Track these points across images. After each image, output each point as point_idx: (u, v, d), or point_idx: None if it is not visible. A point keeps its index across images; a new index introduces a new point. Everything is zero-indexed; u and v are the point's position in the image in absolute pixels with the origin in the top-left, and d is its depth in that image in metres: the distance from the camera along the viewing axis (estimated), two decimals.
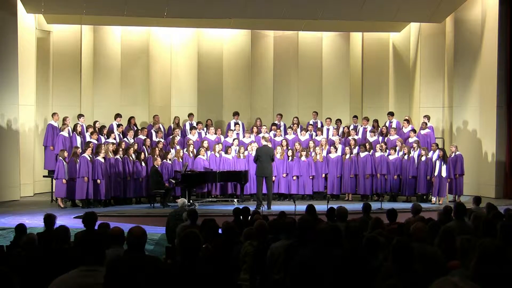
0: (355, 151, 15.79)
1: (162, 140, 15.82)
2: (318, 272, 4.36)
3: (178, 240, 8.02)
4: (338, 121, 17.23)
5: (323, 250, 4.74)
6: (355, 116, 17.38)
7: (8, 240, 8.70)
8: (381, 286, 3.93)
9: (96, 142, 14.68)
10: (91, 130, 15.21)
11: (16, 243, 6.91)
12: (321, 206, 10.71)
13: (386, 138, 16.20)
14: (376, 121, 17.03)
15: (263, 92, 18.62)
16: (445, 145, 16.62)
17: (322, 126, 17.09)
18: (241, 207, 9.40)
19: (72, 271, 4.00)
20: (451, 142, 16.75)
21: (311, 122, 17.28)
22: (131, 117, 16.50)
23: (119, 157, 14.40)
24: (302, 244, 5.03)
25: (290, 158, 15.56)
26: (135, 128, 16.28)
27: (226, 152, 15.60)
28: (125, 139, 15.26)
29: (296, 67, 18.67)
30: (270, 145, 14.47)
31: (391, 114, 16.95)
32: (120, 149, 14.48)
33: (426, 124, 16.17)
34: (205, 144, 15.46)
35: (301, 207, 10.55)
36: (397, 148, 15.54)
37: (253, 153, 14.79)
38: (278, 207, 13.29)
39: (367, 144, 15.79)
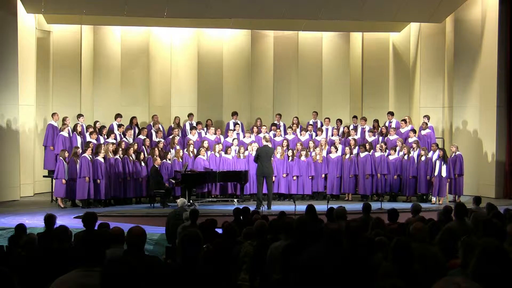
0: (355, 151, 15.79)
1: (162, 140, 15.82)
2: (326, 272, 4.37)
3: (178, 240, 8.04)
4: (338, 121, 17.23)
5: (331, 250, 4.76)
6: (355, 116, 17.38)
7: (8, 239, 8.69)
8: (381, 285, 3.93)
9: (95, 142, 14.68)
10: (90, 130, 15.22)
11: (15, 242, 6.90)
12: (321, 206, 10.72)
13: (385, 138, 16.20)
14: (376, 121, 17.03)
15: (263, 92, 18.62)
16: (445, 145, 16.62)
17: (322, 126, 17.09)
18: (241, 207, 9.41)
19: (72, 271, 4.00)
20: (451, 142, 16.75)
21: (311, 122, 17.29)
22: (133, 117, 16.51)
23: (119, 157, 14.40)
24: (300, 245, 5.02)
25: (290, 158, 15.57)
26: (137, 129, 16.30)
27: (226, 152, 15.60)
28: (124, 139, 15.26)
29: (296, 67, 18.67)
30: (270, 145, 14.48)
31: (391, 114, 16.94)
32: (120, 149, 14.48)
33: (427, 124, 16.17)
34: (205, 144, 15.47)
35: (301, 207, 10.55)
36: (398, 148, 15.55)
37: (253, 153, 14.81)
38: (278, 207, 13.30)
39: (367, 144, 15.79)
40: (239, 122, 16.94)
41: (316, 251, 4.62)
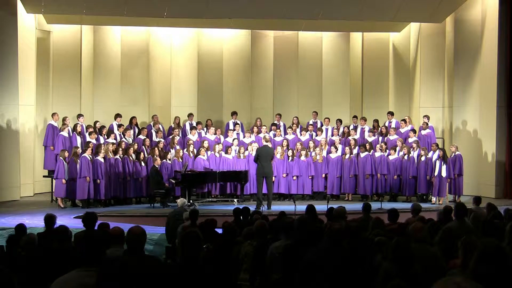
0: (355, 151, 15.79)
1: (162, 140, 15.82)
2: (328, 272, 4.38)
3: (178, 240, 8.04)
4: (338, 121, 17.22)
5: (336, 249, 4.77)
6: (355, 116, 17.37)
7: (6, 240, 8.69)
8: (383, 286, 3.93)
9: (94, 142, 14.68)
10: (90, 130, 15.21)
11: (14, 242, 6.90)
12: (321, 206, 10.71)
13: (386, 138, 16.20)
14: (376, 121, 17.03)
15: (263, 92, 18.63)
16: (445, 145, 16.62)
17: (322, 126, 17.09)
18: (241, 207, 9.41)
19: (72, 271, 4.00)
20: (451, 142, 16.75)
21: (311, 122, 17.29)
22: (133, 117, 16.51)
23: (119, 157, 14.40)
24: (300, 245, 5.02)
25: (290, 158, 15.57)
26: (137, 128, 16.29)
27: (226, 152, 15.60)
28: (124, 139, 15.27)
29: (296, 67, 18.67)
30: (270, 145, 14.49)
31: (390, 113, 16.94)
32: (120, 149, 14.48)
33: (427, 124, 16.17)
34: (205, 144, 15.47)
35: (301, 207, 10.55)
36: (398, 148, 15.55)
37: (254, 153, 14.82)
38: (278, 207, 13.30)
39: (367, 144, 15.80)
40: (239, 122, 16.94)
41: (322, 250, 4.63)
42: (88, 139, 14.81)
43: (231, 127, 16.76)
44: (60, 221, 8.01)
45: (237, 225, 7.81)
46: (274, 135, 16.44)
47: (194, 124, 16.52)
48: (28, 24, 16.08)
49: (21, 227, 7.45)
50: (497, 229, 5.78)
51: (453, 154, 15.21)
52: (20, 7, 15.40)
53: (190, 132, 16.23)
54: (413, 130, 16.11)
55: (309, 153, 15.72)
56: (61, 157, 14.09)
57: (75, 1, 15.52)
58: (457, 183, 15.13)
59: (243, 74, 18.48)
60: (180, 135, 16.27)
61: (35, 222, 10.91)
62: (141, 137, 15.69)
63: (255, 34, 18.56)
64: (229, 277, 5.93)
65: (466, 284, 2.69)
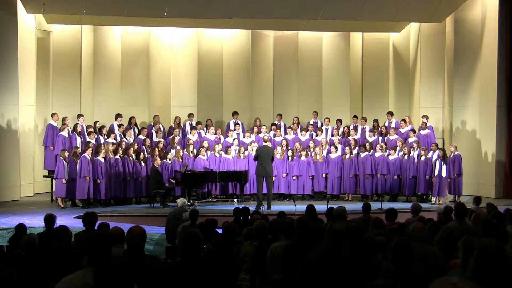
0: (355, 151, 15.79)
1: (162, 140, 15.83)
2: (327, 272, 4.38)
3: (178, 240, 8.04)
4: (338, 121, 17.23)
5: (332, 250, 4.76)
6: (355, 116, 17.38)
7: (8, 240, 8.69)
8: (383, 286, 3.93)
9: (94, 142, 14.68)
10: (90, 130, 15.22)
11: (14, 242, 6.91)
12: (321, 206, 10.71)
13: (386, 138, 16.21)
14: (376, 121, 17.03)
15: (263, 92, 18.62)
16: (445, 145, 16.63)
17: (322, 126, 17.10)
18: (241, 207, 9.41)
19: (78, 271, 4.01)
20: (451, 142, 16.76)
21: (311, 122, 17.29)
22: (132, 117, 16.52)
23: (119, 157, 14.40)
24: (301, 245, 5.02)
25: (290, 158, 15.57)
26: (136, 128, 16.29)
27: (226, 152, 15.60)
28: (124, 139, 15.27)
29: (296, 67, 18.67)
30: (270, 145, 14.49)
31: (390, 114, 16.95)
32: (120, 149, 14.48)
33: (426, 124, 16.18)
34: (205, 144, 15.47)
35: (301, 207, 10.54)
36: (398, 148, 15.56)
37: (253, 153, 14.82)
38: (278, 207, 13.29)
39: (367, 144, 15.80)
40: (239, 122, 16.94)
41: (322, 250, 4.63)
42: (88, 139, 14.82)
43: (231, 127, 16.77)
44: (60, 221, 8.01)
45: (237, 225, 7.82)
46: (274, 135, 16.44)
47: (194, 124, 16.53)
48: (28, 24, 16.08)
49: (21, 227, 7.45)
50: (497, 229, 5.78)
51: (452, 154, 15.22)
52: (20, 7, 15.40)
53: (190, 132, 16.24)
54: (413, 130, 16.11)
55: (309, 153, 15.72)
56: (61, 157, 14.09)
57: (75, 1, 15.52)
58: (456, 183, 15.14)
59: (243, 74, 18.48)
60: (180, 135, 16.27)
61: (35, 222, 10.91)
62: (141, 137, 15.70)
63: (255, 34, 18.55)
64: (229, 277, 5.94)
65: (463, 284, 2.69)
